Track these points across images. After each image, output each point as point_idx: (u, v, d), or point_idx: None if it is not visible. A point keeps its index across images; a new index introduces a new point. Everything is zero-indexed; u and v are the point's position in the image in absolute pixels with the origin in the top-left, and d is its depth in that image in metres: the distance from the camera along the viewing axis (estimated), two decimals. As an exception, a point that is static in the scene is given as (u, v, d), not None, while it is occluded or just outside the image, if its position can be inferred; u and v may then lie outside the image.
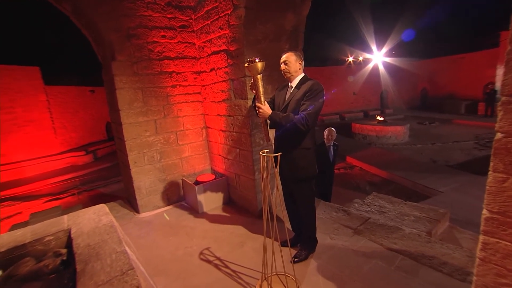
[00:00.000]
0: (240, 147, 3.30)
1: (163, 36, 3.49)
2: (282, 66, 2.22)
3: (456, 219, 3.95)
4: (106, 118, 13.36)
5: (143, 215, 3.58)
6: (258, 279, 2.17)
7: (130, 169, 3.46)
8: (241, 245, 2.73)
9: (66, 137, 11.05)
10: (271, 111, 2.09)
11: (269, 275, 2.06)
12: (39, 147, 9.79)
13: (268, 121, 2.15)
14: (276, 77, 3.16)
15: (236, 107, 3.22)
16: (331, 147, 4.36)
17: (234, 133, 3.35)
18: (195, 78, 3.79)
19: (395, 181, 6.77)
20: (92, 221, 1.71)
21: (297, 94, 2.15)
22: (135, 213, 3.65)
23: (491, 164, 1.20)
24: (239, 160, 3.39)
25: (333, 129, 4.35)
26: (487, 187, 1.24)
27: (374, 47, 19.85)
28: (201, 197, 3.49)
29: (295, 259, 2.35)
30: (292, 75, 2.22)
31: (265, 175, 1.81)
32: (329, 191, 4.54)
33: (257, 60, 1.89)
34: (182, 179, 3.86)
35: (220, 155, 3.80)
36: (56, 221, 1.73)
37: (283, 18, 3.09)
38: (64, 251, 1.54)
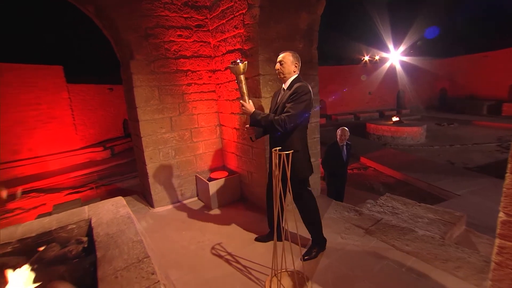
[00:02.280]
0: (253, 145, 3.34)
1: (179, 36, 3.58)
2: (277, 66, 2.20)
3: (474, 224, 3.83)
4: (123, 115, 13.76)
5: (158, 209, 3.69)
6: (268, 275, 2.20)
7: (146, 165, 3.57)
8: (252, 241, 2.77)
9: (86, 133, 11.49)
10: (253, 110, 2.16)
11: (279, 271, 2.09)
12: (61, 142, 10.26)
13: (249, 119, 2.21)
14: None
15: (250, 105, 3.25)
16: (344, 147, 4.34)
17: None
18: (210, 77, 3.86)
19: (410, 183, 6.64)
20: (110, 212, 1.80)
21: (285, 96, 2.15)
22: (150, 207, 3.76)
23: (509, 165, 1.18)
24: (252, 158, 3.43)
25: (346, 128, 4.32)
26: (504, 189, 1.21)
27: (391, 45, 19.42)
28: (214, 194, 3.56)
29: (305, 257, 2.37)
30: (285, 76, 2.20)
31: (276, 172, 1.84)
32: (342, 191, 4.52)
33: (238, 61, 1.99)
34: (196, 176, 3.95)
35: (233, 153, 3.86)
36: (78, 211, 1.83)
37: (298, 17, 3.10)
38: (85, 239, 1.64)
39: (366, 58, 21.37)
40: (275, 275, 2.08)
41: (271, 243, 2.67)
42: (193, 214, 3.52)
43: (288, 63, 2.15)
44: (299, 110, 2.06)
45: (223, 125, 4.01)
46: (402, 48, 19.36)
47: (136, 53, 3.34)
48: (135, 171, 7.58)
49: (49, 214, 4.06)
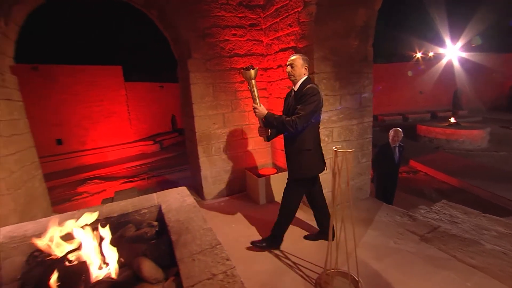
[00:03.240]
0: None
1: (234, 35, 3.70)
2: (288, 68, 2.31)
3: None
4: (172, 111, 14.61)
5: (208, 202, 3.87)
6: (318, 273, 2.20)
7: (198, 159, 3.77)
8: (301, 238, 2.77)
9: (139, 127, 12.47)
10: (266, 112, 2.30)
11: (330, 270, 2.08)
12: (118, 135, 11.34)
13: (263, 121, 2.35)
14: (344, 75, 3.12)
15: (301, 103, 3.25)
16: (397, 148, 4.12)
17: (297, 129, 3.39)
18: (261, 75, 3.93)
19: (467, 191, 6.04)
20: (177, 200, 1.95)
21: (296, 98, 2.29)
22: (201, 199, 3.96)
23: None
24: (300, 156, 3.42)
25: (400, 129, 4.10)
26: None
27: (448, 40, 17.73)
28: (262, 190, 3.63)
29: (254, 241, 2.62)
30: (295, 79, 2.31)
31: (335, 170, 1.83)
32: (392, 194, 4.30)
33: (250, 67, 2.18)
34: (245, 171, 4.06)
35: (282, 150, 3.87)
36: (149, 198, 2.01)
37: (355, 14, 3.01)
38: (155, 223, 1.80)
39: (419, 54, 19.85)
40: (326, 274, 2.08)
41: (320, 241, 2.66)
42: (241, 208, 3.62)
43: (299, 65, 2.27)
44: (309, 111, 2.16)
45: (272, 123, 4.05)
46: (460, 43, 17.57)
47: (193, 52, 3.54)
48: (182, 164, 8.03)
49: (112, 199, 4.52)
